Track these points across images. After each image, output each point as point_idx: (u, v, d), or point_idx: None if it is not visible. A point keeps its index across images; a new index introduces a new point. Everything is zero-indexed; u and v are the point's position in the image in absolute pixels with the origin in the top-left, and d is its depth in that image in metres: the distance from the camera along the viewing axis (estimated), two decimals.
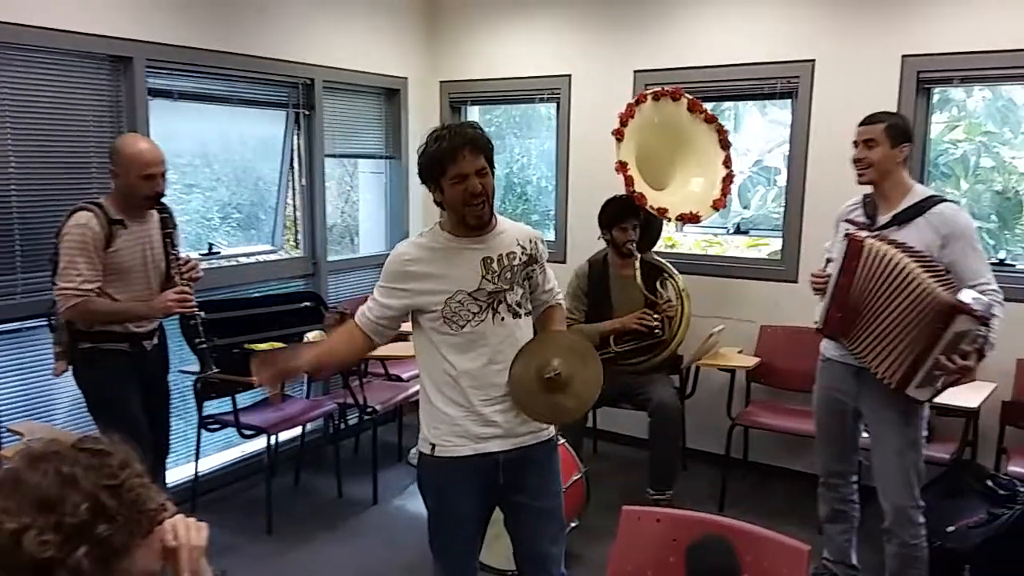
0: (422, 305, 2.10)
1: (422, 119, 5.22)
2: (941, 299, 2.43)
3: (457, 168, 2.02)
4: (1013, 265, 3.78)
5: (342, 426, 4.39)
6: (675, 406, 3.81)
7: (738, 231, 4.78)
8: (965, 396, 3.34)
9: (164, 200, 3.04)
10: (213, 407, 3.79)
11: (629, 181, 3.74)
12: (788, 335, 4.15)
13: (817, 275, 2.86)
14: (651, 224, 3.95)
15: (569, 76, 4.78)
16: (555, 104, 4.89)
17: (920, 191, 2.76)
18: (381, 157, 5.17)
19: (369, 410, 4.03)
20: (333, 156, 4.83)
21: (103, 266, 2.88)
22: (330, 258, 4.84)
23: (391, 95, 5.10)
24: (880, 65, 3.85)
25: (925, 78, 3.78)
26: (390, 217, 5.27)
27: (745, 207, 5.10)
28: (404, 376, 4.47)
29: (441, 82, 5.25)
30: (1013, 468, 3.36)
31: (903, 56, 3.80)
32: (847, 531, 3.08)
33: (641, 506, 2.02)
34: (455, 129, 2.06)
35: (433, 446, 2.17)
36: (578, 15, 4.72)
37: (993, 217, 4.39)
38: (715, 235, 5.11)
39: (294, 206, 4.66)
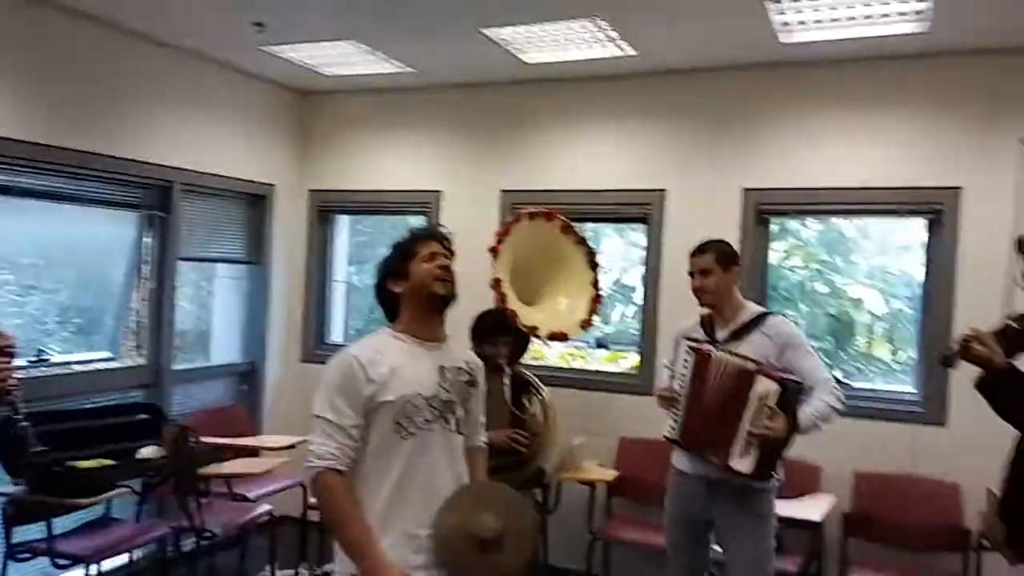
0: (380, 401, 1.95)
1: (288, 226, 5.15)
2: (742, 366, 2.64)
3: (429, 248, 2.10)
4: (847, 384, 4.04)
5: (177, 552, 3.99)
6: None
7: (599, 345, 4.90)
8: (807, 509, 3.48)
9: None
10: (27, 533, 3.36)
11: (502, 299, 3.76)
12: (647, 448, 4.20)
13: (663, 391, 2.97)
14: (520, 337, 3.97)
15: (439, 192, 4.88)
16: (425, 218, 4.94)
17: (752, 308, 2.98)
18: (242, 262, 5.01)
19: (207, 534, 3.70)
20: (188, 259, 4.63)
21: None
22: (177, 366, 4.55)
23: (256, 201, 5.01)
24: (724, 196, 4.18)
25: (763, 209, 4.14)
26: (247, 324, 5.07)
27: (605, 323, 5.26)
28: (251, 495, 4.16)
29: (310, 191, 5.22)
30: None
31: (744, 189, 4.15)
32: None
33: None
34: (424, 227, 2.27)
35: None
36: (448, 134, 4.88)
37: (828, 338, 4.73)
38: (578, 348, 5.21)
39: (139, 311, 4.38)
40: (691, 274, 2.98)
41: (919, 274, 4.02)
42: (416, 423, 1.99)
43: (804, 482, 3.74)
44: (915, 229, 4.08)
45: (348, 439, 1.95)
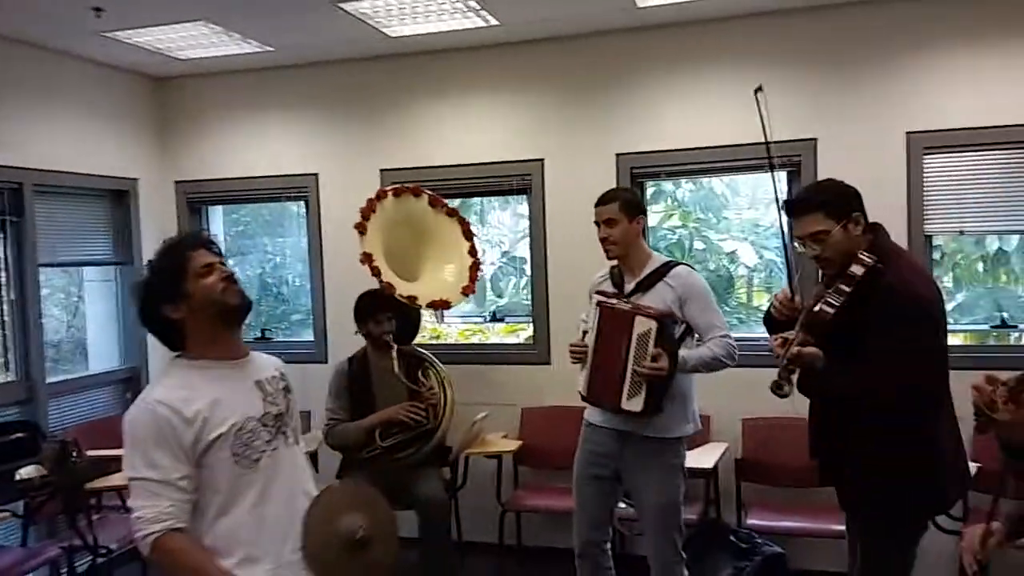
0: (211, 439, 1.77)
1: (156, 221, 4.90)
2: (622, 308, 2.68)
3: (201, 258, 1.85)
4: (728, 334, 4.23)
5: (71, 573, 3.79)
6: (442, 500, 3.75)
7: (495, 319, 4.94)
8: (701, 457, 3.64)
9: None
10: None
11: (376, 271, 3.75)
12: (548, 415, 4.30)
13: (575, 345, 2.95)
14: (408, 316, 3.95)
15: (316, 175, 4.74)
16: (304, 202, 4.81)
17: (658, 259, 3.00)
18: (110, 263, 4.74)
19: (103, 551, 3.53)
20: (51, 265, 4.34)
21: None
22: (52, 379, 4.31)
23: (119, 197, 4.73)
24: (599, 162, 4.24)
25: (637, 173, 4.23)
26: (123, 328, 4.81)
27: (499, 296, 5.29)
28: None
29: (176, 182, 4.98)
30: (751, 521, 3.68)
31: (617, 154, 4.22)
32: None
33: None
34: (177, 237, 1.95)
35: None
36: (320, 114, 4.74)
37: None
38: (476, 323, 5.23)
39: (2, 324, 4.09)
40: (597, 224, 2.95)
41: (786, 224, 4.22)
42: (256, 448, 1.83)
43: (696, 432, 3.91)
44: (780, 182, 4.28)
45: (180, 493, 1.75)
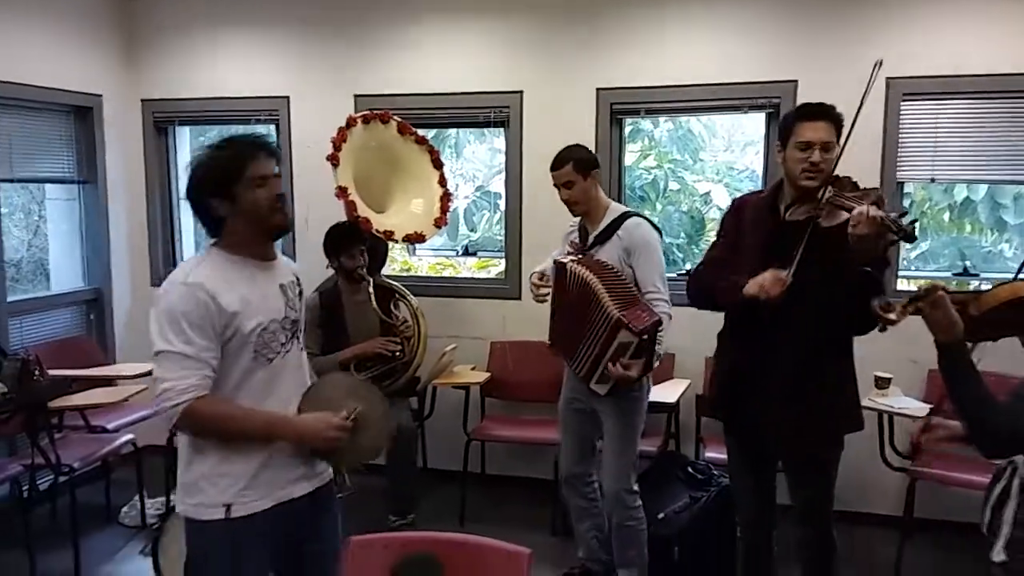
0: (235, 332, 1.85)
1: (121, 139, 4.76)
2: (611, 315, 2.70)
3: (260, 168, 1.87)
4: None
5: (32, 491, 3.78)
6: (409, 428, 3.80)
7: (467, 253, 4.94)
8: (664, 393, 3.71)
9: None
10: None
11: (352, 207, 3.68)
12: (515, 349, 4.33)
13: (536, 282, 3.07)
14: (376, 247, 3.92)
15: (287, 97, 4.62)
16: (274, 126, 4.70)
17: (615, 209, 3.07)
18: (73, 182, 4.61)
19: (66, 469, 3.53)
20: (10, 181, 4.21)
21: None
22: (13, 297, 4.22)
23: (83, 113, 4.57)
24: (579, 97, 4.19)
25: (617, 109, 4.19)
26: (87, 248, 4.71)
27: (472, 230, 5.28)
28: (109, 427, 3.97)
29: (143, 100, 4.82)
30: (709, 454, 3.78)
31: (597, 89, 4.18)
32: (592, 528, 3.27)
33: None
34: (244, 136, 1.95)
35: (228, 507, 1.88)
36: (297, 35, 4.59)
37: (682, 234, 4.97)
38: (447, 257, 5.21)
39: None
40: (557, 187, 3.03)
41: (760, 167, 4.25)
42: (273, 349, 1.93)
43: (661, 368, 3.96)
44: (757, 124, 4.28)
45: (208, 369, 1.83)
